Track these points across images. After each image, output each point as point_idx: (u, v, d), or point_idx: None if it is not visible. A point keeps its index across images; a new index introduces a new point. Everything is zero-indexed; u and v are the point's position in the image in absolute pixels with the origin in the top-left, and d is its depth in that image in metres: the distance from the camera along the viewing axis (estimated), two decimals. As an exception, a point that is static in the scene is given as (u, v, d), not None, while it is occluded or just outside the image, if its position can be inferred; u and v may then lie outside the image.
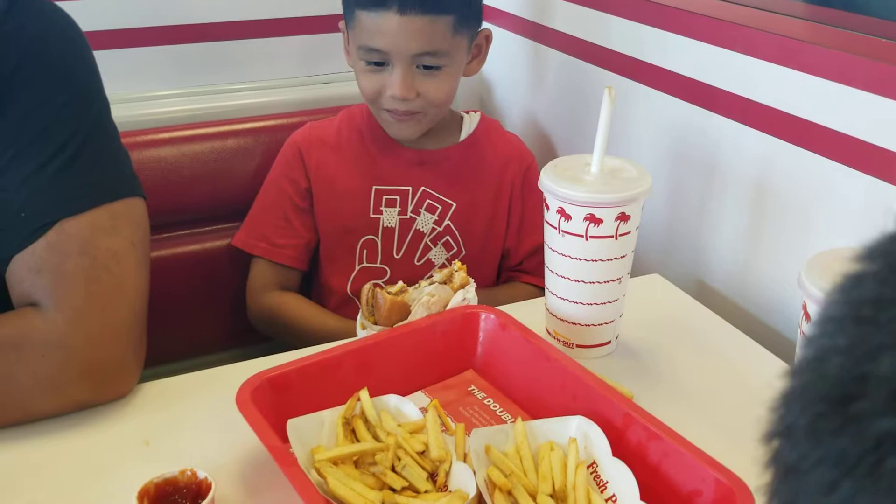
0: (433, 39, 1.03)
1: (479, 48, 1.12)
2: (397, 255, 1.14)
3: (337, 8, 1.29)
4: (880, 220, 0.71)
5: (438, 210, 1.13)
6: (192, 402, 0.76)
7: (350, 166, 1.13)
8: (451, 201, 1.13)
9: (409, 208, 1.13)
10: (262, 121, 1.25)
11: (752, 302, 0.98)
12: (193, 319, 1.20)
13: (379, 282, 1.05)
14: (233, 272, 1.19)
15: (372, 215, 1.13)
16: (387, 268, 1.14)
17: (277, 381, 0.69)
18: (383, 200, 1.13)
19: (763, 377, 0.81)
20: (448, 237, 1.14)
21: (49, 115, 0.74)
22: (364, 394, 0.69)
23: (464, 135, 1.16)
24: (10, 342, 0.70)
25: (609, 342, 0.84)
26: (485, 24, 1.13)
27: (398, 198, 1.13)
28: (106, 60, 1.16)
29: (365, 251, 1.14)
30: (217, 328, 1.23)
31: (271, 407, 0.67)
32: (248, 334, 1.18)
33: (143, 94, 1.25)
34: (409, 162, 1.13)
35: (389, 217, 1.13)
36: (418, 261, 1.14)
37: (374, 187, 1.13)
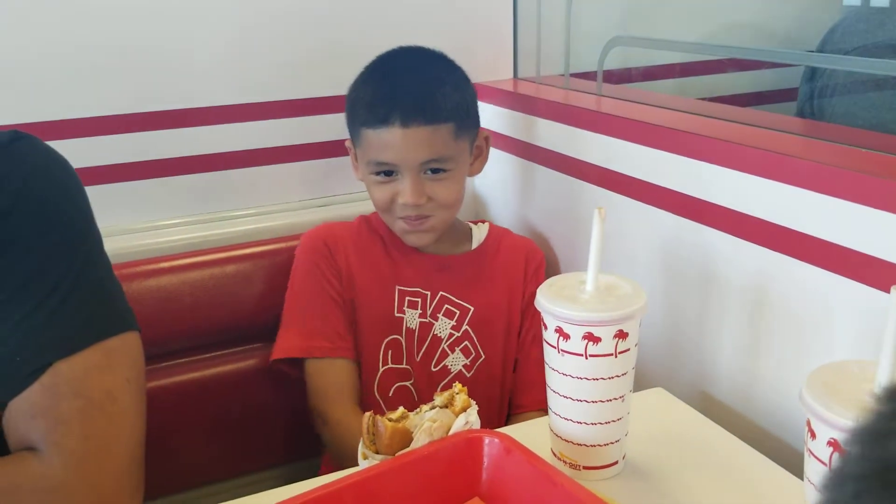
0: (436, 147, 1.09)
1: (479, 149, 1.18)
2: (417, 357, 1.15)
3: (331, 135, 1.34)
4: (878, 330, 0.71)
5: (456, 315, 1.17)
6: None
7: (373, 268, 1.17)
8: (468, 305, 1.17)
9: (429, 312, 1.16)
10: (260, 245, 1.26)
11: (757, 413, 0.96)
12: (194, 449, 1.18)
13: (374, 415, 0.99)
14: (235, 399, 1.18)
15: (396, 314, 1.16)
16: (410, 368, 1.15)
17: (278, 518, 0.67)
18: (406, 301, 1.16)
19: (773, 491, 0.79)
20: (467, 342, 1.16)
21: (40, 257, 0.75)
22: (368, 529, 0.67)
23: (475, 243, 1.21)
24: (7, 488, 0.68)
25: (616, 462, 0.82)
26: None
27: (419, 300, 1.17)
28: (105, 194, 1.22)
29: (390, 351, 1.16)
30: (219, 457, 1.21)
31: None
32: (249, 463, 1.17)
33: (143, 225, 1.27)
34: (429, 267, 1.17)
35: (411, 318, 1.16)
36: (435, 367, 1.15)
37: (397, 287, 1.16)
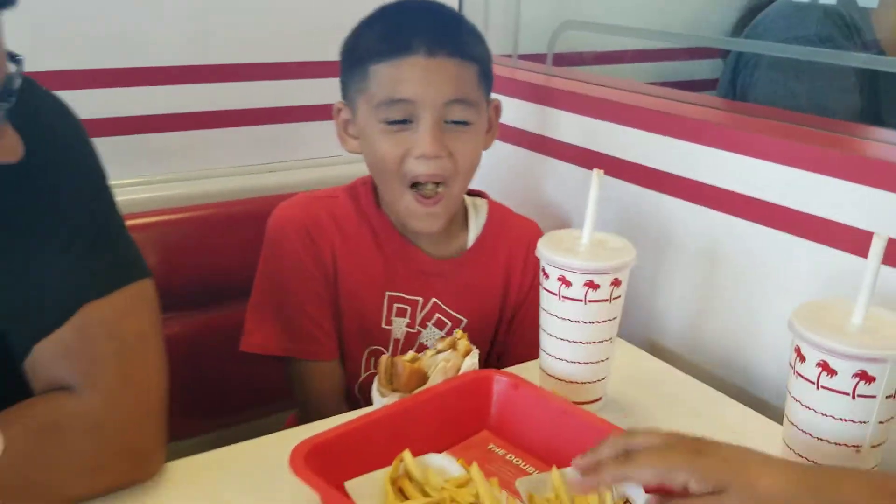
0: (463, 85, 0.95)
1: (490, 120, 1.04)
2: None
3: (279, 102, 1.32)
4: (821, 281, 0.84)
5: (447, 326, 1.04)
6: (227, 476, 0.77)
7: (363, 269, 1.02)
8: (461, 317, 1.05)
9: (418, 321, 1.03)
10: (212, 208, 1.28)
11: (703, 356, 1.09)
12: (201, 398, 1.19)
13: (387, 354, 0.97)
14: (198, 356, 1.20)
15: (384, 326, 1.03)
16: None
17: (323, 447, 0.72)
18: (395, 309, 1.03)
19: (724, 416, 0.91)
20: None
21: (66, 202, 0.75)
22: (407, 454, 0.73)
23: (473, 235, 1.06)
24: (47, 425, 0.69)
25: (600, 398, 0.91)
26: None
27: (409, 308, 1.03)
28: None
29: (373, 359, 1.04)
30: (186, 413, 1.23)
31: (318, 472, 0.70)
32: (217, 418, 1.19)
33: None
34: (423, 270, 1.03)
35: (398, 327, 1.03)
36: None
37: (387, 293, 1.02)
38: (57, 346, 0.72)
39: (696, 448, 0.59)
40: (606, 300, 0.85)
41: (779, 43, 1.32)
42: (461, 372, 0.86)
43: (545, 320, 0.89)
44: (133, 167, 1.29)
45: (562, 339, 0.87)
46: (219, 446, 0.83)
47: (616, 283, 0.85)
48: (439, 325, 1.05)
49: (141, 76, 1.28)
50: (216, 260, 1.28)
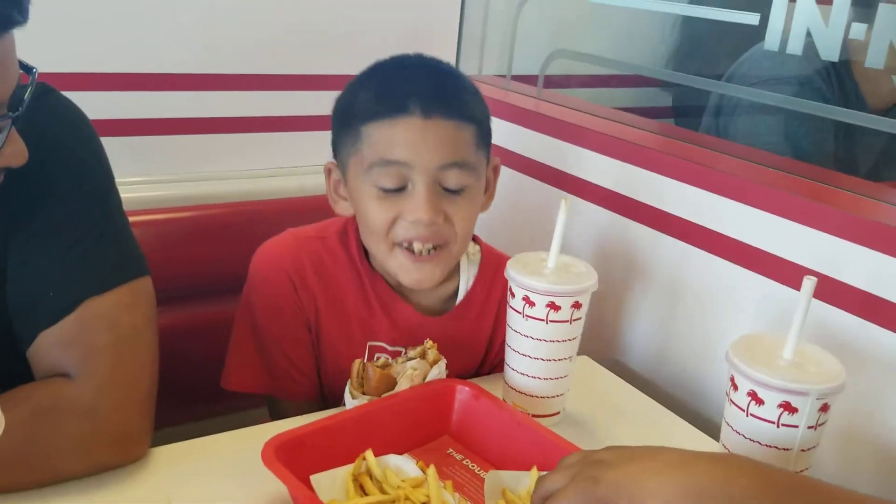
0: (460, 148, 0.90)
1: (488, 180, 0.99)
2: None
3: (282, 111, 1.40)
4: (772, 312, 0.90)
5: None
6: (206, 463, 0.84)
7: (347, 313, 1.00)
8: (444, 358, 0.95)
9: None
10: (236, 207, 1.36)
11: (664, 379, 1.15)
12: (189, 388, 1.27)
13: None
14: (185, 348, 1.27)
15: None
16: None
17: (294, 442, 0.78)
18: (375, 356, 0.99)
19: (676, 436, 0.97)
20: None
21: (74, 203, 0.82)
22: (369, 454, 0.79)
23: (463, 285, 1.03)
24: (46, 408, 0.76)
25: (559, 412, 0.98)
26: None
27: (390, 356, 0.98)
28: None
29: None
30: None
31: (288, 465, 0.76)
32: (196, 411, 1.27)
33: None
34: (408, 324, 1.00)
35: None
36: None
37: (369, 343, 1.00)
38: (59, 337, 0.79)
39: (594, 476, 0.61)
40: (567, 321, 0.92)
41: (760, 83, 1.38)
42: (428, 380, 0.92)
43: (510, 336, 0.95)
44: (143, 166, 1.37)
45: (524, 355, 0.94)
46: (204, 435, 0.90)
47: (576, 305, 0.92)
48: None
49: (156, 81, 1.35)
50: (215, 256, 1.36)
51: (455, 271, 1.03)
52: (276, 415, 1.03)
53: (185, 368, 1.28)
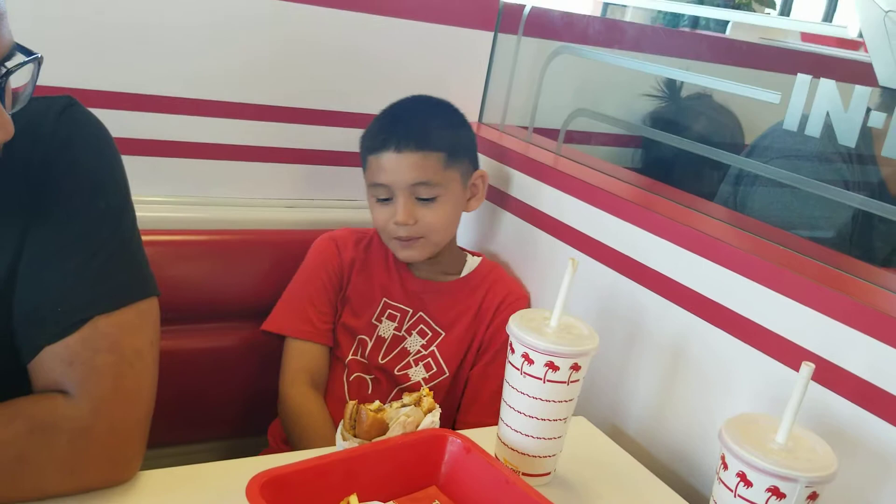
0: (426, 171, 1.25)
1: (475, 187, 1.34)
2: (381, 360, 1.31)
3: (319, 145, 1.45)
4: (772, 392, 0.90)
5: (428, 336, 1.31)
6: (192, 492, 0.84)
7: (369, 276, 1.34)
8: (440, 330, 1.31)
9: (404, 327, 1.32)
10: (248, 235, 1.39)
11: (658, 448, 1.14)
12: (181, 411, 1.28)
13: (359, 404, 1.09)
14: (194, 372, 1.29)
15: (373, 321, 1.32)
16: (371, 365, 1.31)
17: (279, 480, 0.78)
18: (386, 313, 1.32)
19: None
20: (431, 360, 1.31)
21: (88, 220, 0.83)
22: (353, 498, 0.79)
23: (465, 273, 1.35)
24: (41, 425, 0.76)
25: (550, 473, 0.97)
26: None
27: (398, 315, 1.32)
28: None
29: (359, 348, 1.32)
30: (171, 424, 1.30)
31: (270, 502, 0.76)
32: (198, 433, 1.27)
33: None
34: (417, 289, 1.33)
35: (386, 328, 1.32)
36: (398, 371, 1.31)
37: (383, 299, 1.33)
38: (62, 353, 0.79)
39: None
40: (564, 382, 0.92)
41: (782, 157, 1.39)
42: (420, 428, 0.92)
43: (507, 391, 0.95)
44: (168, 187, 1.40)
45: (519, 412, 0.94)
46: (195, 458, 0.90)
47: (575, 367, 0.92)
48: (421, 334, 1.32)
49: (194, 106, 1.39)
50: (225, 281, 1.38)
51: (458, 271, 1.36)
52: (283, 360, 1.31)
53: (187, 389, 1.30)
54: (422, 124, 1.27)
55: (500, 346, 1.30)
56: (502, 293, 1.33)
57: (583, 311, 1.27)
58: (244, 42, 1.39)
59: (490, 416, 1.13)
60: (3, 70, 0.69)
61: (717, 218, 1.19)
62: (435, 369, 1.31)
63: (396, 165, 1.24)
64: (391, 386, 1.31)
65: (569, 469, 1.01)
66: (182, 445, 1.30)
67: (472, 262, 1.37)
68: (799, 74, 0.98)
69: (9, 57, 0.71)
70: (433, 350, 1.31)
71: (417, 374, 1.31)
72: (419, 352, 1.31)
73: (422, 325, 1.32)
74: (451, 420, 1.32)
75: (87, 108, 0.89)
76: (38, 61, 0.72)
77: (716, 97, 1.70)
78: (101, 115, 1.28)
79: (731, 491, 0.76)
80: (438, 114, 1.32)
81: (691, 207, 1.21)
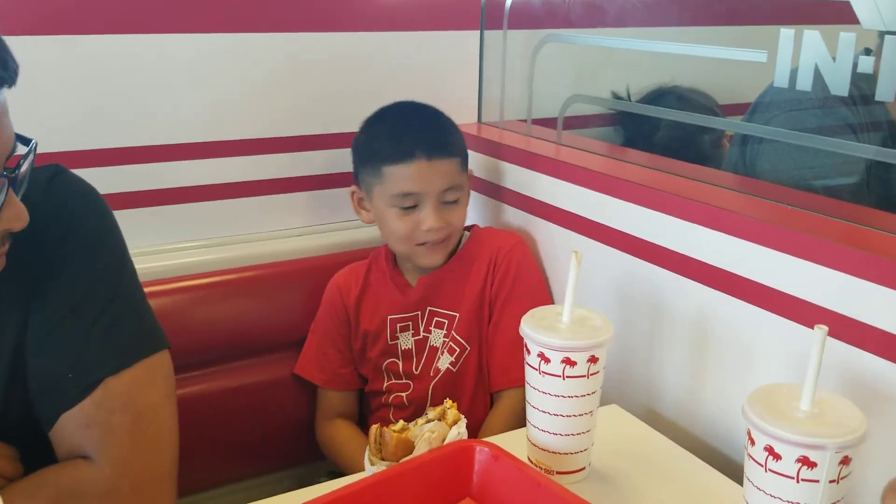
0: (454, 176, 1.28)
1: (467, 186, 1.35)
2: (416, 371, 1.33)
3: (324, 169, 1.45)
4: (799, 357, 0.87)
5: (445, 324, 1.33)
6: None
7: (376, 299, 1.36)
8: (454, 313, 1.33)
9: (422, 328, 1.34)
10: (267, 268, 1.42)
11: (697, 426, 1.12)
12: (211, 452, 1.30)
13: (381, 427, 1.12)
14: (249, 407, 1.34)
15: (390, 342, 1.34)
16: (410, 382, 1.33)
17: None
18: (398, 327, 1.34)
19: (711, 491, 0.94)
20: (451, 343, 1.32)
21: (89, 281, 0.84)
22: (385, 522, 0.79)
23: (456, 251, 1.35)
24: (67, 493, 0.77)
25: (584, 468, 0.96)
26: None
27: (410, 322, 1.34)
28: (131, 218, 1.32)
29: (391, 372, 1.35)
30: (233, 460, 1.37)
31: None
32: (263, 465, 1.35)
33: (155, 248, 1.39)
34: (417, 294, 1.34)
35: (405, 340, 1.35)
36: (427, 371, 1.33)
37: (389, 317, 1.34)
38: (79, 417, 0.80)
39: None
40: (584, 376, 0.91)
41: (784, 113, 1.35)
42: (447, 441, 0.91)
43: (528, 393, 0.94)
44: (182, 232, 1.42)
45: (543, 412, 0.93)
46: (231, 501, 0.91)
47: (593, 359, 0.90)
48: (439, 325, 1.34)
49: (192, 151, 1.41)
50: (253, 317, 1.39)
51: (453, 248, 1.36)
52: (317, 402, 1.38)
53: (217, 432, 1.32)
54: (441, 131, 1.31)
55: (504, 298, 1.30)
56: (493, 249, 1.33)
57: (601, 299, 1.25)
58: (230, 80, 1.40)
59: (514, 366, 1.24)
60: (13, 169, 0.72)
61: (725, 187, 1.17)
62: (458, 350, 1.32)
63: (429, 173, 1.25)
64: (429, 389, 1.33)
65: (604, 460, 0.99)
66: (220, 487, 1.32)
67: (460, 243, 1.37)
68: (782, 29, 0.95)
69: (13, 150, 0.73)
70: (452, 334, 1.32)
71: (444, 361, 1.32)
72: (444, 342, 1.33)
73: (435, 318, 1.34)
74: (488, 394, 1.34)
75: (74, 173, 0.90)
76: (35, 147, 0.74)
77: (682, 81, 1.67)
78: (104, 172, 1.32)
79: (762, 466, 0.74)
80: (445, 119, 1.34)
81: (698, 179, 1.18)
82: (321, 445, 1.36)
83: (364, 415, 1.41)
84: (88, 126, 1.31)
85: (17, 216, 0.74)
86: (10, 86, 0.70)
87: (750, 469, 0.76)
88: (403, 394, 1.34)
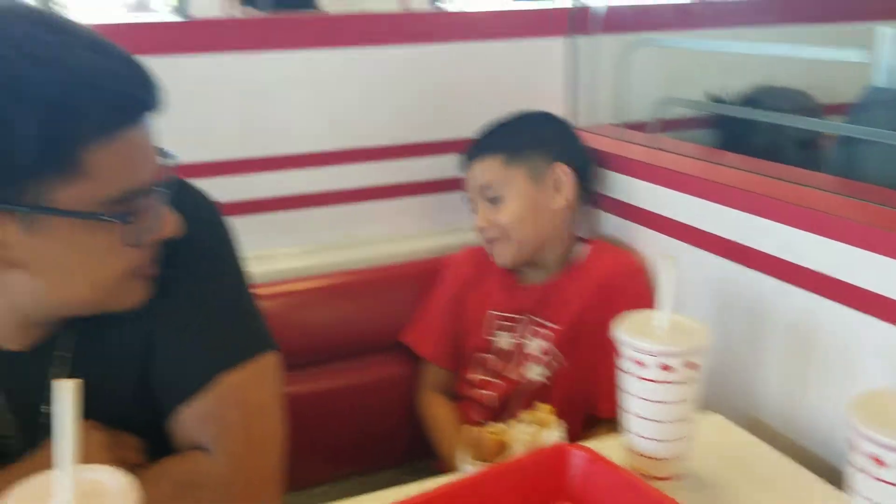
0: (484, 174, 1.34)
1: (557, 182, 1.34)
2: (505, 372, 1.35)
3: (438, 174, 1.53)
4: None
5: (544, 335, 1.34)
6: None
7: (483, 291, 1.40)
8: (556, 325, 1.33)
9: (520, 333, 1.36)
10: (377, 272, 1.48)
11: (800, 434, 1.10)
12: (320, 450, 1.36)
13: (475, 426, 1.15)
14: (358, 405, 1.41)
15: (486, 336, 1.38)
16: (498, 381, 1.35)
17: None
18: (497, 325, 1.37)
19: (816, 500, 0.92)
20: (550, 356, 1.33)
21: (210, 286, 0.90)
22: (483, 522, 0.81)
23: (572, 264, 1.36)
24: (185, 483, 0.83)
25: (681, 474, 0.95)
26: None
27: (510, 323, 1.37)
28: (247, 224, 1.39)
29: (482, 367, 1.38)
30: (343, 456, 1.43)
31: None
32: (369, 462, 1.42)
33: (270, 252, 1.47)
34: (523, 295, 1.37)
35: (503, 340, 1.37)
36: (519, 377, 1.34)
37: (490, 312, 1.38)
38: (195, 412, 0.86)
39: None
40: (681, 382, 0.90)
41: (890, 111, 1.31)
42: (542, 445, 0.93)
43: (624, 398, 0.95)
44: (289, 238, 1.50)
45: (639, 417, 0.93)
46: (331, 498, 0.95)
47: (690, 365, 0.90)
48: (537, 335, 1.35)
49: (310, 160, 1.49)
50: (362, 318, 1.45)
51: (564, 259, 1.38)
52: (424, 379, 1.44)
53: (326, 431, 1.37)
54: (484, 134, 1.39)
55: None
56: (608, 270, 1.34)
57: (697, 304, 1.24)
58: (343, 92, 1.47)
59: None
60: (165, 184, 0.79)
61: (828, 190, 1.14)
62: (553, 363, 1.32)
63: (470, 176, 1.36)
64: (517, 394, 1.34)
65: (706, 469, 0.98)
66: (327, 485, 1.36)
67: (579, 253, 1.38)
68: (877, 28, 0.93)
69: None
70: (549, 346, 1.33)
71: (536, 371, 1.33)
72: (538, 351, 1.34)
73: (536, 327, 1.35)
74: (584, 411, 1.33)
75: (193, 183, 0.96)
76: (176, 159, 0.81)
77: (776, 82, 1.63)
78: (228, 181, 1.41)
79: (867, 473, 0.72)
80: (504, 121, 1.40)
81: (799, 182, 1.16)
82: (419, 415, 1.42)
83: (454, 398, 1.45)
84: (207, 138, 1.39)
85: (174, 224, 0.81)
86: (158, 111, 0.76)
87: (855, 478, 0.75)
88: (489, 392, 1.36)
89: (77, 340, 0.87)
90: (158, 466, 0.84)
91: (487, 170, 1.34)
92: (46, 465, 0.59)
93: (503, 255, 1.35)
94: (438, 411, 1.41)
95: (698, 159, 1.34)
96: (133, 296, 0.83)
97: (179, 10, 2.70)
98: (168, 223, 0.81)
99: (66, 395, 0.57)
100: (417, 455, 1.41)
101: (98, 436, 0.82)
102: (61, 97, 0.68)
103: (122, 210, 0.75)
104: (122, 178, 0.74)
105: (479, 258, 1.42)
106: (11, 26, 0.69)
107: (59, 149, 0.69)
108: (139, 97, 0.74)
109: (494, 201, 1.33)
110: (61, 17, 0.74)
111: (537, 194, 1.34)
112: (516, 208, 1.33)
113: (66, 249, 0.75)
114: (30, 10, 0.73)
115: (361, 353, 1.47)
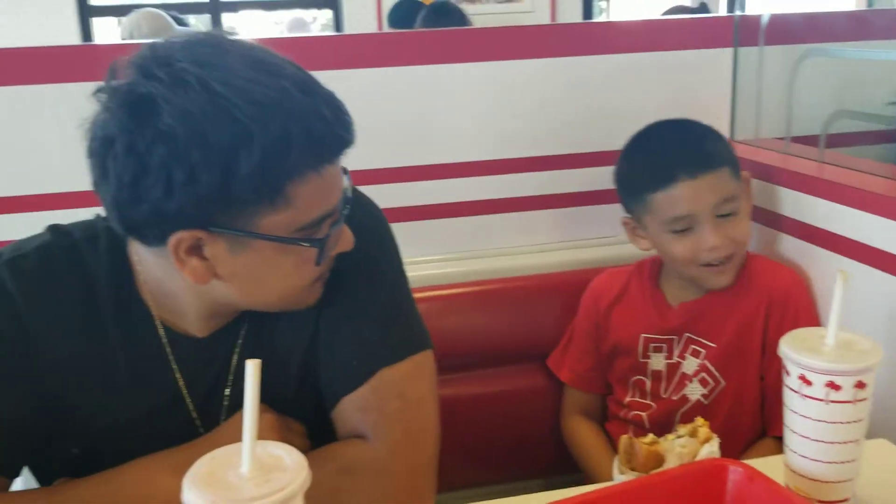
0: (724, 187, 1.22)
1: (749, 194, 1.29)
2: (663, 394, 1.32)
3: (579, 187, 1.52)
4: None
5: (702, 353, 1.30)
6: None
7: (630, 314, 1.35)
8: (712, 344, 1.29)
9: (675, 353, 1.32)
10: (524, 281, 1.50)
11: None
12: (468, 452, 1.39)
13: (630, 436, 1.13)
14: (504, 412, 1.44)
15: (641, 360, 1.34)
16: (653, 403, 1.33)
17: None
18: (651, 347, 1.33)
19: None
20: (704, 374, 1.30)
21: (373, 286, 0.95)
22: (635, 530, 0.81)
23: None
24: (347, 468, 0.87)
25: (847, 500, 0.91)
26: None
27: (665, 345, 1.33)
28: (405, 230, 1.43)
29: (637, 389, 1.35)
30: (488, 462, 1.46)
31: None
32: (518, 470, 1.43)
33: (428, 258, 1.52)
34: (676, 317, 1.32)
35: (657, 361, 1.33)
36: (675, 396, 1.32)
37: (642, 336, 1.33)
38: (356, 402, 0.91)
39: None
40: (850, 402, 0.86)
41: None
42: (698, 459, 0.91)
43: (788, 416, 0.91)
44: (437, 246, 1.54)
45: (803, 437, 0.89)
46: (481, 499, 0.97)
47: (860, 385, 0.86)
48: (694, 354, 1.30)
49: (453, 170, 1.53)
50: (502, 327, 1.47)
51: None
52: (568, 402, 1.43)
53: (464, 436, 1.38)
54: (699, 143, 1.26)
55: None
56: (770, 286, 1.27)
57: (869, 325, 1.17)
58: (502, 104, 1.50)
59: None
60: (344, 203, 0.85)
61: None
62: (711, 383, 1.29)
63: (695, 192, 1.21)
64: (672, 414, 1.32)
65: (871, 495, 0.93)
66: (472, 489, 1.38)
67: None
68: None
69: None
70: (705, 363, 1.29)
71: (695, 391, 1.30)
72: (696, 371, 1.30)
73: (692, 346, 1.31)
74: (742, 433, 1.29)
75: (360, 190, 1.01)
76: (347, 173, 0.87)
77: None
78: (387, 188, 1.47)
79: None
80: (701, 131, 1.29)
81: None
82: (565, 438, 1.42)
83: (601, 419, 1.44)
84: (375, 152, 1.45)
85: (349, 239, 0.88)
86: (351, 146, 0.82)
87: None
88: (644, 413, 1.34)
89: (249, 329, 0.93)
90: (323, 450, 0.89)
91: (723, 183, 1.22)
92: (227, 440, 0.64)
93: (728, 276, 1.27)
94: (583, 434, 1.39)
95: (873, 175, 1.27)
96: (310, 298, 0.90)
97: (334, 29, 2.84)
98: (346, 239, 0.88)
99: (253, 374, 0.62)
100: (566, 468, 1.41)
101: (269, 417, 0.88)
102: (278, 140, 0.74)
103: (314, 234, 0.82)
104: (318, 206, 0.81)
105: (620, 281, 1.38)
106: (234, 72, 0.75)
107: (271, 184, 0.76)
108: (341, 137, 0.79)
109: (727, 217, 1.23)
110: (270, 55, 0.79)
111: (750, 204, 1.29)
112: (747, 222, 1.27)
113: (263, 266, 0.82)
114: (243, 50, 0.79)
115: (508, 361, 1.49)
